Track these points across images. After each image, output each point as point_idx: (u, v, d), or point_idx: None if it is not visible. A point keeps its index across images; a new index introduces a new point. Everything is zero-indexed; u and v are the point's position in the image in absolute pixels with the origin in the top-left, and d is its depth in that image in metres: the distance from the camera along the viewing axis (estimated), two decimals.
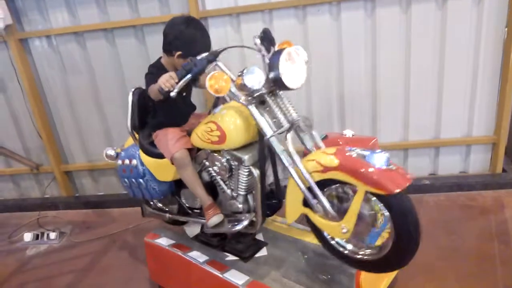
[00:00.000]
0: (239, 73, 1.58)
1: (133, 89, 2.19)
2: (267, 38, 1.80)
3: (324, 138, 1.89)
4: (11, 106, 3.43)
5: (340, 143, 1.90)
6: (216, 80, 1.57)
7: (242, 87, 1.58)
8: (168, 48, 1.90)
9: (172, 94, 1.65)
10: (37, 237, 3.09)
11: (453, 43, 2.77)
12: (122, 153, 2.26)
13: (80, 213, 3.47)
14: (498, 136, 2.94)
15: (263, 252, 2.10)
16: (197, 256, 2.08)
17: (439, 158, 3.12)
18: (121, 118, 3.29)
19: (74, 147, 3.51)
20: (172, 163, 1.95)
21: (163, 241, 2.24)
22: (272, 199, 1.94)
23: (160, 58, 2.00)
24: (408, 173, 1.43)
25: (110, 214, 3.39)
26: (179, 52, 1.85)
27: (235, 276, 1.90)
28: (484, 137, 3.00)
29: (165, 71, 1.89)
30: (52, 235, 3.07)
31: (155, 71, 1.91)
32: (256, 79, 1.58)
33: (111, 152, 2.32)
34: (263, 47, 1.78)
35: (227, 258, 2.07)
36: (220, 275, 1.92)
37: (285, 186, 1.94)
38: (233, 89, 1.66)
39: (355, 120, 3.05)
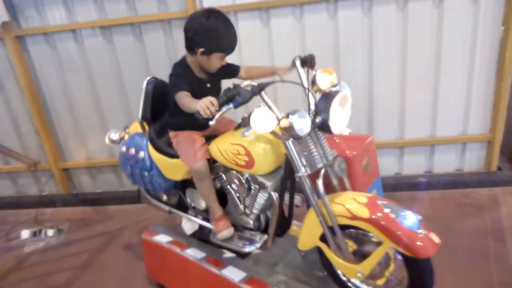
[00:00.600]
0: (286, 114, 1.49)
1: (148, 78, 2.13)
2: (308, 62, 1.77)
3: None
4: (8, 104, 3.43)
5: (337, 140, 1.91)
6: (261, 117, 1.50)
7: (288, 128, 1.49)
8: (189, 45, 1.79)
9: (211, 123, 1.51)
10: (34, 234, 3.09)
11: (450, 42, 2.78)
12: (127, 140, 2.22)
13: (78, 210, 3.47)
14: (494, 134, 2.96)
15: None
16: (195, 253, 2.09)
17: (434, 156, 3.14)
18: (119, 115, 3.30)
19: (71, 144, 3.51)
20: (190, 172, 1.91)
21: (161, 238, 2.25)
22: (283, 219, 1.92)
23: (185, 56, 1.89)
24: (436, 237, 1.46)
25: (108, 211, 3.39)
26: (201, 49, 1.74)
27: (232, 273, 1.92)
28: (480, 135, 3.02)
29: (191, 72, 1.85)
30: (50, 232, 3.08)
31: (181, 71, 1.83)
32: (304, 124, 1.50)
33: (115, 136, 2.27)
34: (302, 70, 1.75)
35: (224, 255, 2.08)
36: (218, 272, 1.93)
37: (297, 206, 1.96)
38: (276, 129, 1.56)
39: (351, 117, 3.04)
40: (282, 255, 2.06)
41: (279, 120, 1.52)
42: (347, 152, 1.86)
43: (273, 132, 1.58)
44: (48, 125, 3.44)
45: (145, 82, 2.12)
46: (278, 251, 2.09)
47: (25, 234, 3.09)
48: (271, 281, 1.86)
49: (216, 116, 1.52)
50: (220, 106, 1.50)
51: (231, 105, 1.52)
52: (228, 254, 2.08)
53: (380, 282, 1.72)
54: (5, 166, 3.67)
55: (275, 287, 1.82)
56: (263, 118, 1.51)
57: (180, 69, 1.85)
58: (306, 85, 1.71)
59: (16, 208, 3.60)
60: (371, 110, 3.04)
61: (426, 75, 2.90)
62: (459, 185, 3.01)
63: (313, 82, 1.71)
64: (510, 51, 2.73)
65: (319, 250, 1.75)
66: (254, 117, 1.51)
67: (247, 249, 1.89)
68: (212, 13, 1.73)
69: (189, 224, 2.26)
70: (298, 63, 1.78)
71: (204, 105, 1.48)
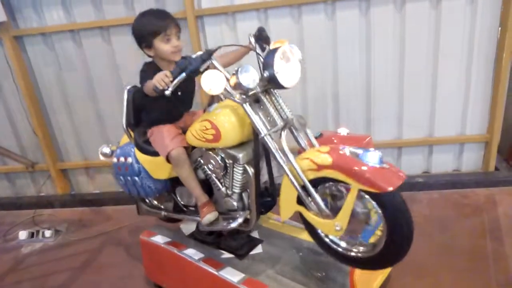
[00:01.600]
0: (234, 72, 1.58)
1: (128, 87, 2.20)
2: (262, 37, 1.83)
3: (319, 137, 1.90)
4: (6, 104, 3.42)
5: (335, 141, 1.91)
6: (210, 78, 1.58)
7: (237, 85, 1.58)
8: (141, 47, 1.93)
9: (167, 92, 1.64)
10: (32, 235, 3.08)
11: (447, 42, 2.79)
12: (118, 150, 2.25)
13: (75, 211, 3.47)
14: (491, 135, 2.97)
15: (258, 249, 2.12)
16: (193, 253, 2.09)
17: (432, 156, 3.15)
18: (117, 115, 3.26)
19: (69, 145, 3.51)
20: (168, 161, 1.95)
21: (159, 239, 2.25)
22: (266, 197, 1.95)
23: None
24: (401, 171, 1.44)
25: (106, 212, 3.39)
26: (143, 45, 1.89)
27: (230, 274, 1.91)
28: (477, 135, 3.03)
29: (157, 67, 1.92)
30: (48, 233, 3.07)
31: (148, 70, 1.92)
32: (251, 78, 1.58)
33: (107, 150, 2.31)
34: (257, 45, 1.81)
35: (222, 256, 2.08)
36: (216, 273, 1.93)
37: (279, 184, 1.96)
38: (228, 88, 1.65)
39: (349, 118, 3.07)
40: (280, 256, 2.06)
41: (228, 80, 1.60)
42: None
43: (227, 94, 1.67)
44: (46, 126, 3.43)
45: (125, 91, 2.19)
46: (275, 251, 2.09)
47: (22, 235, 3.09)
48: (269, 281, 1.86)
49: (171, 86, 1.63)
50: (174, 76, 1.63)
51: (183, 74, 1.63)
52: (226, 255, 2.08)
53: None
54: (3, 166, 3.66)
55: None
56: (213, 79, 1.58)
57: (147, 67, 1.95)
58: (258, 51, 1.80)
59: (14, 209, 3.59)
60: (369, 110, 3.04)
61: (424, 76, 2.90)
62: (457, 185, 3.02)
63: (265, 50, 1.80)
64: (507, 52, 2.73)
65: (300, 215, 1.72)
66: (204, 78, 1.58)
67: (230, 226, 1.90)
68: (144, 12, 1.90)
69: (188, 224, 2.26)
70: (252, 40, 1.85)
71: (158, 78, 1.63)
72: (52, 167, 3.49)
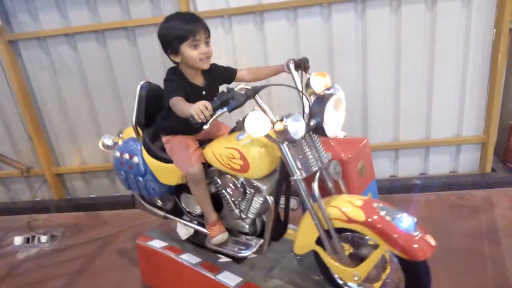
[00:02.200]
0: (281, 118, 1.48)
1: (141, 83, 2.11)
2: (303, 66, 1.77)
3: None
4: (1, 109, 3.40)
5: (332, 144, 1.91)
6: (255, 122, 1.49)
7: (282, 132, 1.47)
8: (166, 53, 1.80)
9: (205, 127, 1.51)
10: (27, 240, 3.05)
11: (443, 44, 2.80)
12: (121, 145, 2.20)
13: (71, 216, 3.44)
14: (488, 136, 2.98)
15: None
16: (190, 258, 2.08)
17: (429, 158, 3.15)
18: (113, 119, 3.29)
19: (65, 149, 3.49)
20: (185, 176, 1.90)
21: (156, 243, 2.23)
22: (279, 223, 1.91)
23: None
24: (432, 239, 1.46)
25: (102, 216, 3.37)
26: (169, 50, 1.77)
27: (228, 278, 1.91)
28: (474, 137, 3.04)
29: (185, 79, 1.82)
30: (43, 238, 3.04)
31: (174, 78, 1.81)
32: (300, 127, 1.48)
33: (109, 141, 2.25)
34: (296, 73, 1.75)
35: (219, 260, 2.07)
36: (213, 277, 1.92)
37: (292, 209, 1.95)
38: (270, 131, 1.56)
39: (346, 120, 3.03)
40: (278, 260, 2.05)
41: (273, 123, 1.51)
42: (342, 155, 1.86)
43: (267, 136, 1.57)
44: (41, 130, 3.42)
45: (138, 87, 2.11)
46: (274, 255, 2.08)
47: (18, 240, 3.06)
48: (267, 286, 1.86)
49: (210, 121, 1.51)
50: (214, 110, 1.49)
51: (225, 109, 1.51)
52: (223, 259, 2.07)
53: (377, 285, 1.71)
54: None
55: None
56: (258, 122, 1.50)
57: (174, 75, 1.83)
58: (300, 88, 1.70)
59: (9, 214, 3.56)
60: (366, 112, 3.04)
61: (420, 78, 2.91)
62: (454, 187, 3.02)
63: (307, 85, 1.70)
64: (502, 53, 2.75)
65: (315, 254, 1.74)
66: (248, 121, 1.50)
67: (243, 253, 1.87)
68: (170, 15, 1.78)
69: (184, 229, 2.24)
70: (292, 66, 1.78)
71: (198, 109, 1.47)
72: (48, 171, 3.47)
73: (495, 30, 2.75)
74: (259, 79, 1.97)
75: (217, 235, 1.91)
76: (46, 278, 2.64)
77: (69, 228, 3.24)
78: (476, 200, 2.89)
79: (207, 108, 1.47)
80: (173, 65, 1.87)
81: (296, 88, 1.71)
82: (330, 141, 1.92)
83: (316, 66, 2.98)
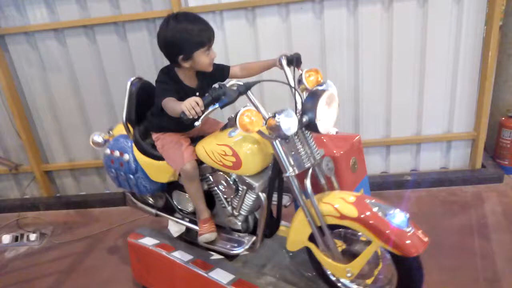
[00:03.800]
0: (273, 114, 1.47)
1: (132, 79, 2.08)
2: (295, 62, 1.74)
3: None
4: None
5: (324, 140, 1.90)
6: (248, 118, 1.48)
7: (274, 128, 1.46)
8: (171, 59, 1.73)
9: (197, 123, 1.49)
10: (16, 238, 3.01)
11: (434, 41, 2.81)
12: (112, 142, 2.17)
13: (61, 214, 3.40)
14: (478, 132, 3.00)
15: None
16: (182, 255, 2.06)
17: (420, 154, 3.17)
18: (103, 116, 3.25)
19: (54, 146, 3.44)
20: (179, 174, 1.88)
21: (147, 241, 2.21)
22: (272, 220, 1.90)
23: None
24: (425, 236, 1.46)
25: (92, 214, 3.33)
26: (181, 56, 1.68)
27: (220, 275, 1.90)
28: (464, 133, 3.06)
29: (179, 82, 1.78)
30: (32, 236, 3.00)
31: (168, 80, 1.76)
32: (292, 123, 1.47)
33: (99, 139, 2.22)
34: (289, 69, 1.73)
35: (212, 257, 2.06)
36: (205, 275, 1.91)
37: (285, 206, 1.95)
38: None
39: (338, 117, 3.04)
40: (270, 256, 2.05)
41: (265, 120, 1.50)
42: (335, 151, 1.86)
43: (260, 132, 1.56)
44: (30, 127, 3.36)
45: (129, 83, 2.07)
46: (266, 252, 2.08)
47: (6, 239, 3.01)
48: (259, 282, 1.85)
49: (202, 117, 1.50)
50: (206, 106, 1.48)
51: (216, 105, 1.50)
52: (215, 256, 2.06)
53: (369, 281, 1.72)
54: None
55: None
56: (250, 118, 1.49)
57: (167, 77, 1.79)
58: (292, 84, 1.69)
59: None
60: (357, 109, 3.05)
61: (411, 74, 2.92)
62: (445, 183, 3.05)
63: (299, 81, 1.69)
64: (493, 50, 2.77)
65: (308, 251, 1.74)
66: (241, 118, 1.49)
67: (235, 251, 1.86)
68: (176, 16, 1.67)
69: (176, 226, 2.23)
70: (284, 62, 1.76)
71: (189, 105, 1.46)
72: (37, 169, 3.42)
73: (485, 27, 2.77)
74: (252, 75, 1.95)
75: (205, 234, 1.91)
76: (35, 277, 2.60)
77: (58, 226, 3.20)
78: (467, 196, 2.92)
79: (198, 104, 1.46)
80: (165, 64, 1.83)
81: (289, 84, 1.70)
82: (322, 137, 1.91)
83: (308, 62, 2.98)
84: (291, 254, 2.04)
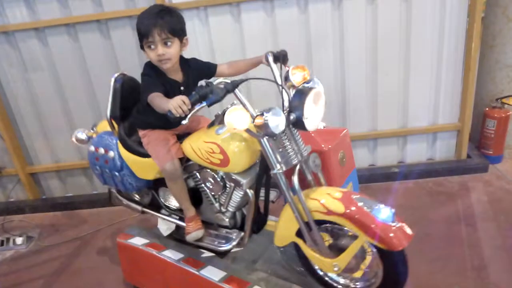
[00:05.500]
0: (261, 112, 1.46)
1: (116, 75, 2.05)
2: (282, 58, 1.74)
3: None
4: None
5: (312, 134, 1.91)
6: (235, 117, 1.49)
7: (262, 126, 1.45)
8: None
9: (184, 122, 1.48)
10: (2, 243, 2.95)
11: (418, 34, 2.84)
12: (96, 138, 2.14)
13: (48, 216, 3.35)
14: (463, 123, 3.05)
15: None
16: (172, 254, 2.05)
17: (407, 147, 3.21)
18: (87, 114, 3.20)
19: (38, 147, 3.38)
20: (162, 172, 1.87)
21: (136, 241, 2.19)
22: (259, 215, 1.90)
23: None
24: (409, 230, 1.49)
25: (80, 215, 3.29)
26: (140, 46, 1.73)
27: (211, 273, 1.89)
28: (449, 124, 3.10)
29: (162, 74, 1.77)
30: (19, 240, 2.95)
31: (152, 73, 1.76)
32: (280, 122, 1.47)
33: (82, 136, 2.19)
34: (275, 66, 1.72)
35: (202, 255, 2.05)
36: (197, 272, 1.90)
37: (272, 201, 1.95)
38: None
39: (325, 111, 3.07)
40: (261, 252, 2.05)
41: (253, 118, 1.49)
42: (323, 146, 1.86)
43: (248, 131, 1.55)
44: (13, 128, 3.29)
45: (112, 79, 2.04)
46: (256, 248, 2.08)
47: None
48: (251, 278, 1.85)
49: (189, 116, 1.49)
50: (193, 104, 1.48)
51: (204, 104, 1.49)
52: (206, 254, 2.05)
53: (356, 274, 1.74)
54: None
55: (256, 284, 1.81)
56: (238, 118, 1.49)
57: (152, 70, 1.78)
58: (279, 82, 1.68)
59: None
60: (344, 103, 3.06)
61: (396, 68, 2.94)
62: (432, 174, 3.09)
63: (286, 78, 1.69)
64: (475, 42, 2.80)
65: (295, 246, 1.75)
66: (229, 116, 1.49)
67: (223, 247, 1.87)
68: (150, 7, 1.73)
69: (165, 225, 2.21)
70: (271, 59, 1.75)
71: (176, 104, 1.45)
72: (21, 171, 3.36)
73: (468, 19, 2.81)
74: (239, 73, 1.94)
75: (192, 232, 1.90)
76: (23, 281, 2.56)
77: (45, 229, 3.15)
78: (453, 186, 2.96)
79: (185, 103, 1.45)
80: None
81: (275, 81, 1.69)
82: (310, 132, 1.91)
83: (294, 57, 2.98)
84: (282, 249, 2.04)
